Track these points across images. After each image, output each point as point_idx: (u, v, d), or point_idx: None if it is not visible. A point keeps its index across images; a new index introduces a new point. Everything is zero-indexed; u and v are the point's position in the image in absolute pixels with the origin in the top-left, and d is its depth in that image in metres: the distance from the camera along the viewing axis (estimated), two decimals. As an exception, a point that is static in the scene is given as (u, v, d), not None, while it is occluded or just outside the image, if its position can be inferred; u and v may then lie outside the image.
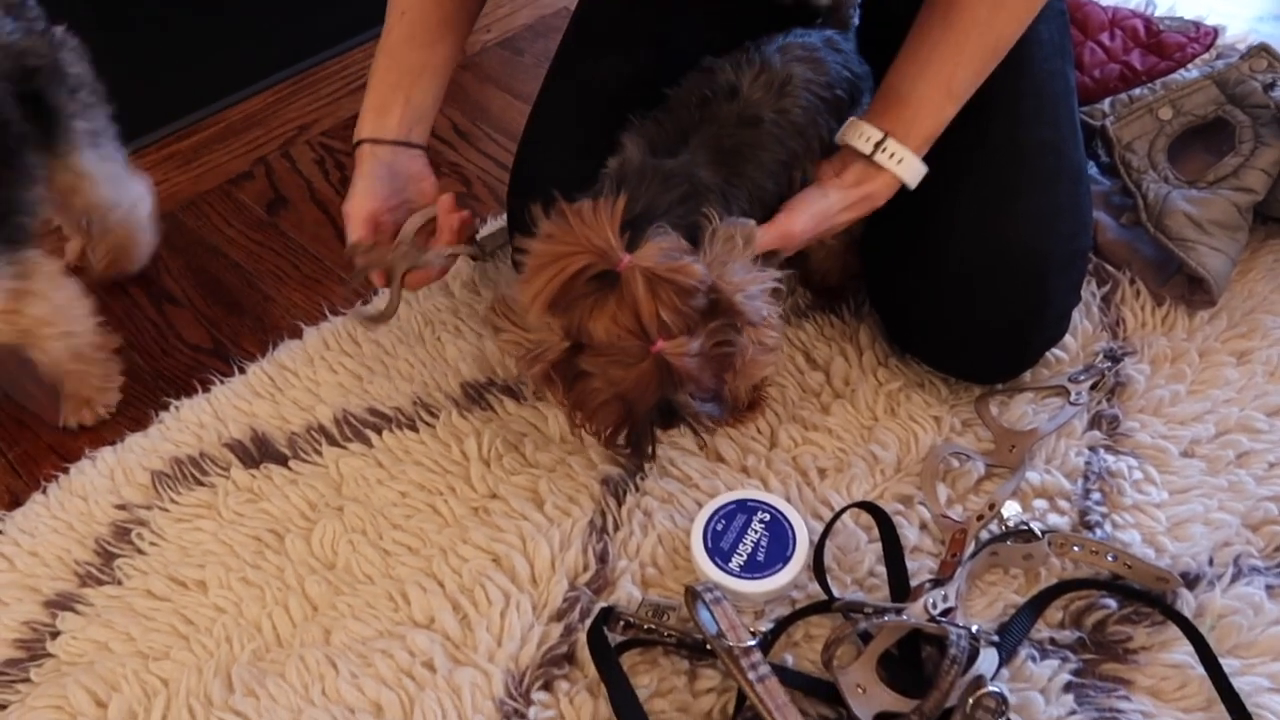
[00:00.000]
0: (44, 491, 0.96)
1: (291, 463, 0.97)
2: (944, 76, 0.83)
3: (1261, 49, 1.07)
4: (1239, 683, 0.76)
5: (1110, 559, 0.83)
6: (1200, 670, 0.77)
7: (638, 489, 0.92)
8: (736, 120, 0.85)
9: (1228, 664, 0.77)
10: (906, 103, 0.84)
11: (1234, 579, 0.82)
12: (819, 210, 0.84)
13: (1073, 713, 0.76)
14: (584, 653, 0.81)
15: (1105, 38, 1.22)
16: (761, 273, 0.77)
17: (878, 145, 0.83)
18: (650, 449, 0.84)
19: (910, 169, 0.84)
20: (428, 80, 0.94)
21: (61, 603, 0.88)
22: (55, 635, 0.86)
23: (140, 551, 0.91)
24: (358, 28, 1.50)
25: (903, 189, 0.86)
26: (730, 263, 0.75)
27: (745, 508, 0.87)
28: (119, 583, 0.89)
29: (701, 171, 0.82)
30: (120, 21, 1.44)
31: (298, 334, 1.09)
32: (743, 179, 0.84)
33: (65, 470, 0.98)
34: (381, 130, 0.93)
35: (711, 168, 0.83)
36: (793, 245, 0.84)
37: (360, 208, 0.93)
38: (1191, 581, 0.83)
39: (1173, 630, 0.80)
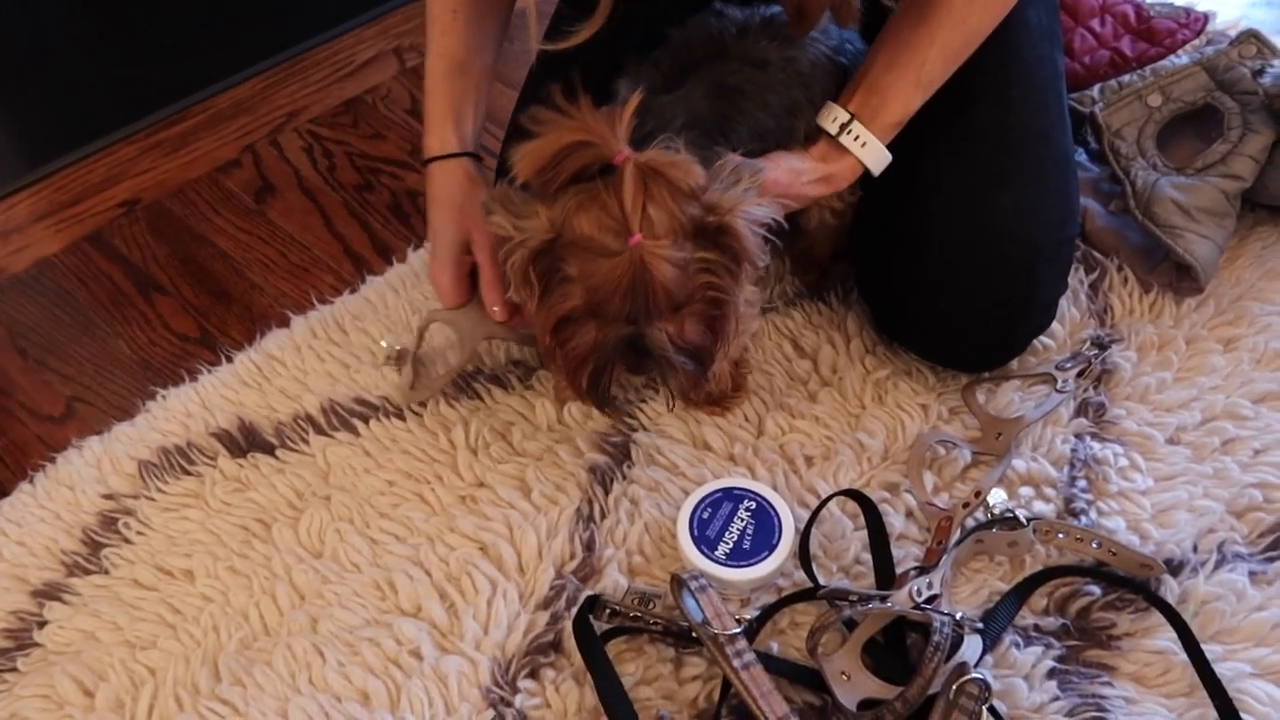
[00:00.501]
0: (31, 481, 0.96)
1: (279, 452, 0.97)
2: (914, 66, 0.84)
3: (1251, 35, 1.07)
4: (1221, 669, 0.76)
5: (1095, 546, 0.83)
6: (1183, 656, 0.77)
7: (625, 477, 0.92)
8: (743, 59, 0.84)
9: (1210, 650, 0.77)
10: (875, 89, 0.84)
11: (1218, 565, 0.83)
12: (794, 168, 0.84)
13: (1055, 699, 0.76)
14: (570, 641, 0.81)
15: (1096, 24, 1.21)
16: (764, 204, 0.75)
17: (843, 127, 0.84)
18: (607, 386, 0.79)
19: (873, 154, 0.85)
20: (490, 79, 0.91)
21: (49, 592, 0.88)
22: (42, 625, 0.86)
23: (127, 541, 0.91)
24: (346, 14, 1.49)
25: (868, 175, 0.86)
26: (733, 188, 0.73)
27: (731, 496, 0.87)
28: (106, 572, 0.89)
29: (698, 105, 0.81)
30: (109, 7, 1.43)
31: (285, 323, 1.08)
32: (744, 116, 0.83)
33: (52, 460, 0.98)
34: (465, 141, 0.89)
35: (708, 101, 0.82)
36: (765, 193, 0.82)
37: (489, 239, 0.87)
38: (1175, 568, 0.83)
39: (1156, 617, 0.80)
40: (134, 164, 1.31)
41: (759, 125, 0.84)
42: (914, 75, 0.84)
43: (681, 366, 0.77)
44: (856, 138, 0.84)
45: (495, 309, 0.89)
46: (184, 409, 1.01)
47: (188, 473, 0.96)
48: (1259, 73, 1.04)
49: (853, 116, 0.84)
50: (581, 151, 0.70)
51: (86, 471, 0.96)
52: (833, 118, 0.85)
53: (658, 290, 0.72)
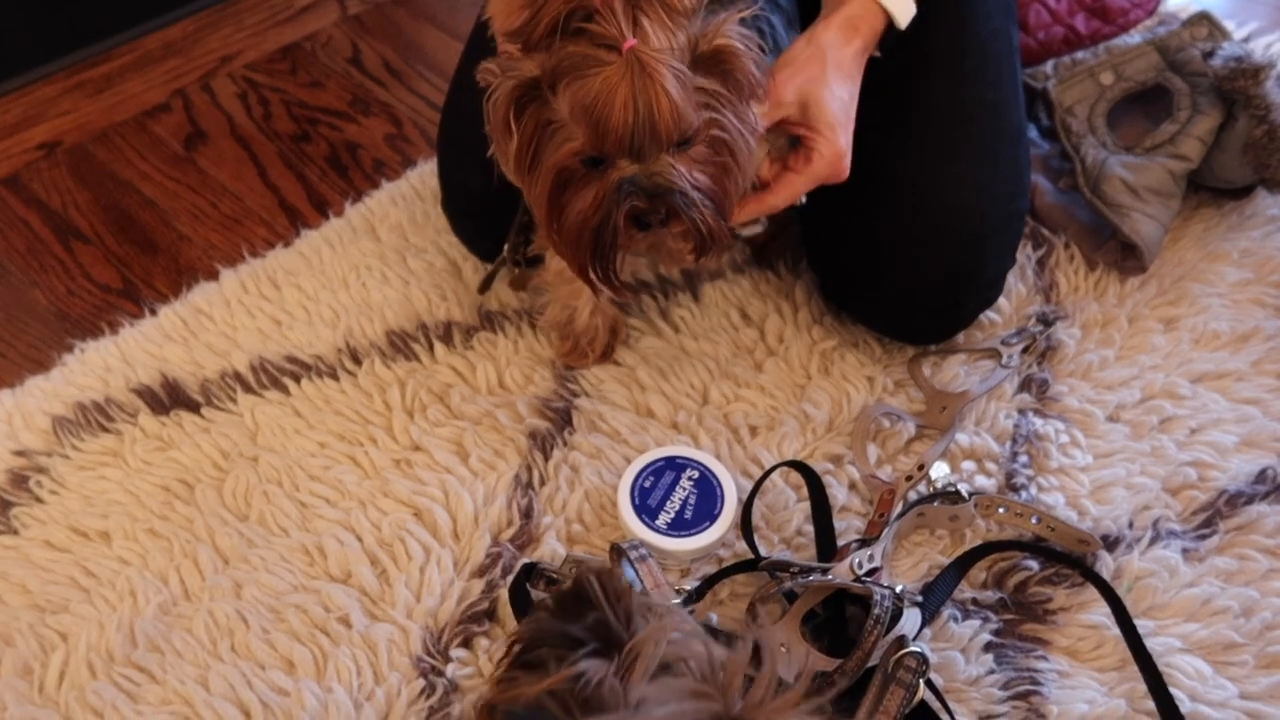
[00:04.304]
0: (-65, 435, 0.91)
1: (204, 410, 0.93)
2: None
3: (1202, 16, 1.07)
4: (1152, 643, 0.77)
5: (1034, 521, 0.83)
6: (1116, 631, 0.78)
7: (566, 443, 0.90)
8: None
9: (1142, 625, 0.78)
10: None
11: (1152, 542, 0.84)
12: (807, 39, 0.78)
13: (991, 672, 0.77)
14: (505, 609, 0.79)
15: (1051, 0, 1.21)
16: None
17: None
18: (612, 249, 0.71)
19: None
20: None
21: (-47, 553, 0.84)
22: (-55, 586, 0.82)
23: (39, 500, 0.87)
24: (286, -44, 1.43)
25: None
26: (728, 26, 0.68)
27: (674, 465, 0.85)
28: (15, 533, 0.85)
29: None
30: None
31: (214, 276, 1.04)
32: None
33: (-41, 413, 0.93)
34: None
35: None
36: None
37: None
38: (1111, 544, 0.84)
39: (1091, 592, 0.81)
40: (54, 105, 1.24)
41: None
42: None
43: (702, 203, 0.70)
44: None
45: None
46: (103, 363, 0.96)
47: (106, 430, 0.91)
48: (1209, 54, 1.04)
49: None
50: None
51: (-4, 426, 0.91)
52: None
53: (662, 100, 0.64)
